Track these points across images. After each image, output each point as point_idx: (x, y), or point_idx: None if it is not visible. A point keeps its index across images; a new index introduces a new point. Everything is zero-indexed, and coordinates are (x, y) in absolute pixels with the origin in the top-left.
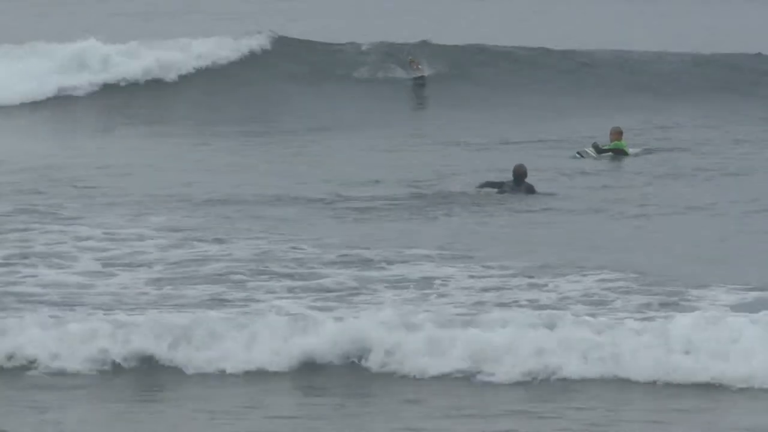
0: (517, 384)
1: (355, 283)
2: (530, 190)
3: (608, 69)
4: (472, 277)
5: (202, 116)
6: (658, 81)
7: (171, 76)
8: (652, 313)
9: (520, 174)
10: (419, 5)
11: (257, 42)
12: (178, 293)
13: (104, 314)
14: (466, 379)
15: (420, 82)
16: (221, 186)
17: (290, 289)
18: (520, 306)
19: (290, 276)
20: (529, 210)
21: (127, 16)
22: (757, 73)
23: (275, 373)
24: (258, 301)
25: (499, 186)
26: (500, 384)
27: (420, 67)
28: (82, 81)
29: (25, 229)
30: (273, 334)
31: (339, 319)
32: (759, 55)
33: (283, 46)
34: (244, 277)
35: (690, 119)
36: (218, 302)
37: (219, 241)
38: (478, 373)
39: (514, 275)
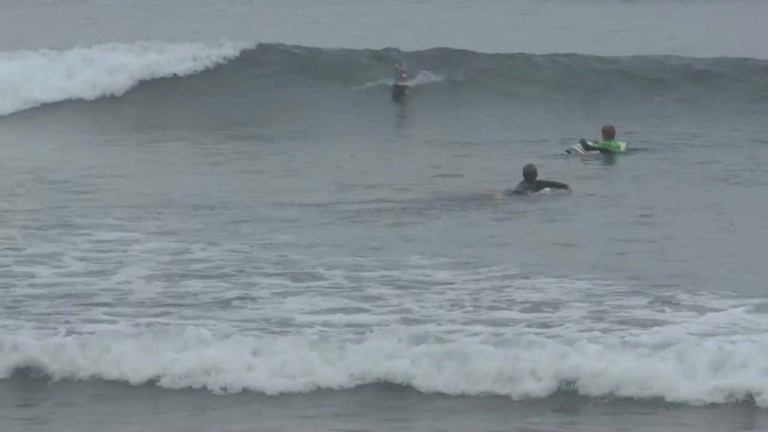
0: None
1: (354, 285)
2: (541, 187)
3: (594, 71)
4: (471, 279)
5: (191, 121)
6: (646, 83)
7: (157, 80)
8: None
9: (530, 173)
10: (407, 11)
11: (244, 47)
12: (173, 296)
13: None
14: None
15: (398, 91)
16: (213, 191)
17: (287, 291)
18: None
19: (287, 278)
20: (526, 212)
21: (113, 18)
22: (745, 74)
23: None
24: (254, 301)
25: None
26: None
27: (404, 75)
28: (75, 86)
29: (22, 232)
30: None
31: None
32: (745, 59)
33: (268, 51)
34: (239, 280)
35: (679, 122)
36: (214, 304)
37: (213, 244)
38: None
39: (510, 277)
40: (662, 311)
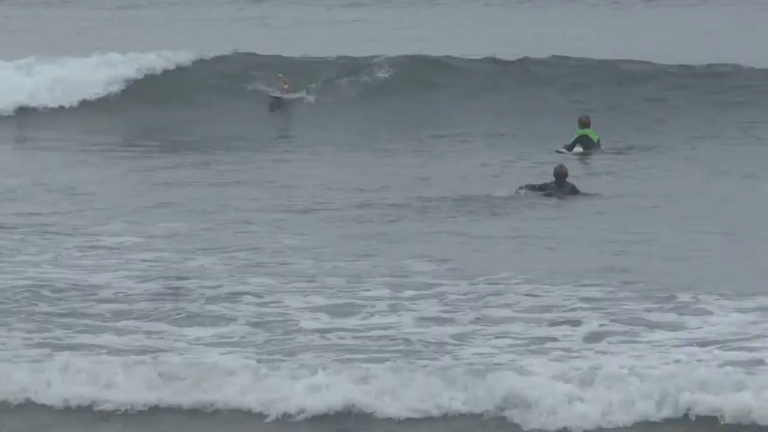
0: None
1: (353, 290)
2: (573, 190)
3: (568, 74)
4: (468, 285)
5: (167, 131)
6: (640, 84)
7: (114, 90)
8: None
9: (561, 174)
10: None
11: (218, 54)
12: (168, 298)
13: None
14: None
15: (277, 103)
16: (205, 197)
17: (284, 293)
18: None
19: (282, 280)
20: (528, 214)
21: (89, 26)
22: (741, 75)
23: None
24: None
25: (542, 188)
26: None
27: (286, 87)
28: (63, 94)
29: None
30: None
31: None
32: (732, 64)
33: (238, 59)
34: (232, 282)
35: (678, 121)
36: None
37: (205, 249)
38: None
39: (513, 283)
40: (670, 317)
